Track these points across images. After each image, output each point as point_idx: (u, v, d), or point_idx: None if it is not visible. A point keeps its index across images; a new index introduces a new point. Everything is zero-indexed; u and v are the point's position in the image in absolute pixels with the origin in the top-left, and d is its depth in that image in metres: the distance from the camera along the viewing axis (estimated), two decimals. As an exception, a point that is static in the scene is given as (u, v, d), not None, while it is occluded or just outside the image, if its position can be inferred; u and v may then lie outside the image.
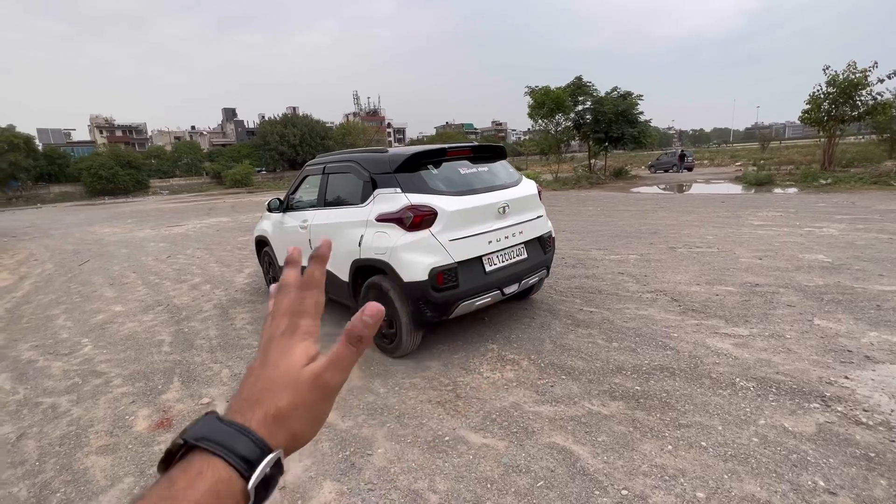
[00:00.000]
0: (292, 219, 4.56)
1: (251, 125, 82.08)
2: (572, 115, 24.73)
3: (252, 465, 0.33)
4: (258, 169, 60.21)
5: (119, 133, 76.08)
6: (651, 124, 25.91)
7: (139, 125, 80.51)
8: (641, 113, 23.96)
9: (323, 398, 0.39)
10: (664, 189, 18.59)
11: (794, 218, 8.35)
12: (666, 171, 30.01)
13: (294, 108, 77.10)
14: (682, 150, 33.17)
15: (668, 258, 5.75)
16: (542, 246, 3.87)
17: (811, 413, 2.39)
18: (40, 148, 56.01)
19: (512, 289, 3.52)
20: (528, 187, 3.81)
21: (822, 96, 18.60)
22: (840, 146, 21.37)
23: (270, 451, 0.34)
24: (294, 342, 0.40)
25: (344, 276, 3.71)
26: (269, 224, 5.17)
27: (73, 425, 2.89)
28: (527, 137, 27.49)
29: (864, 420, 2.30)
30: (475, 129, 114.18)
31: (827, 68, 18.29)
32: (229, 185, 54.26)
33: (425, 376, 3.14)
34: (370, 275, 3.48)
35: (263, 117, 72.41)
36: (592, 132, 24.29)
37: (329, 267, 3.92)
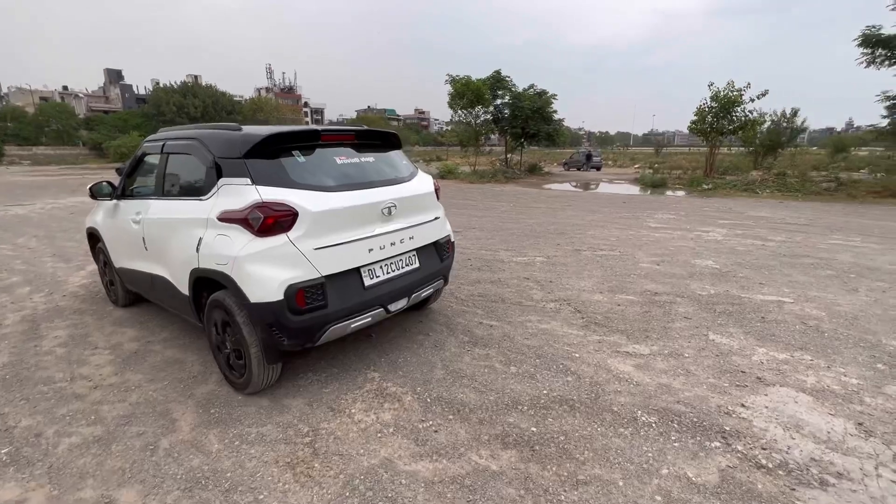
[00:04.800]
0: (126, 209, 3.54)
1: (143, 91, 72.04)
2: (491, 108, 24.89)
3: None
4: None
5: (-41, 87, 62.20)
6: (564, 124, 27.14)
7: (-11, 79, 66.51)
8: (555, 111, 24.83)
9: None
10: (574, 186, 19.39)
11: (685, 221, 8.87)
12: (578, 168, 31.73)
13: (196, 77, 69.05)
14: (589, 151, 35.31)
15: (573, 261, 5.60)
16: (438, 253, 3.35)
17: (713, 455, 2.15)
18: None
19: (399, 305, 2.95)
20: (422, 184, 3.25)
21: (706, 109, 20.59)
22: (718, 155, 24.04)
23: None
24: None
25: (183, 287, 2.86)
26: (101, 213, 4.04)
27: None
28: (449, 128, 27.17)
29: (763, 462, 2.09)
30: (398, 115, 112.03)
31: (711, 84, 20.22)
32: (114, 159, 46.82)
33: (280, 422, 2.46)
34: (216, 288, 2.68)
35: (157, 84, 63.78)
36: (510, 127, 24.69)
37: (164, 273, 3.04)
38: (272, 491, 1.97)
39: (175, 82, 60.48)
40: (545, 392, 2.69)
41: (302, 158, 2.67)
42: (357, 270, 2.70)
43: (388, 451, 2.20)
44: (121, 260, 3.78)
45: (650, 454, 2.16)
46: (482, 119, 25.18)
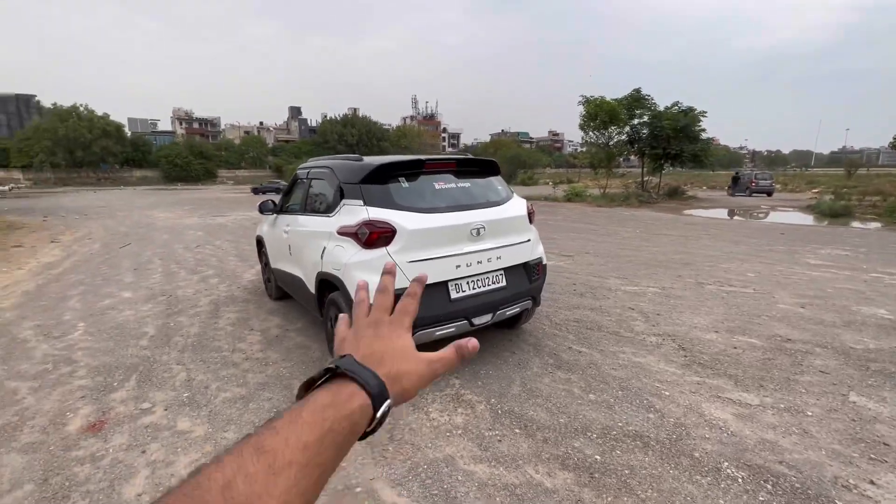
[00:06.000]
0: (282, 222, 4.47)
1: (314, 123, 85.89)
2: (627, 128, 23.56)
3: (378, 403, 0.42)
4: (315, 166, 62.81)
5: (196, 125, 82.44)
6: (720, 143, 23.98)
7: (214, 119, 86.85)
8: (704, 130, 22.37)
9: (426, 378, 0.49)
10: (724, 213, 17.06)
11: (861, 260, 7.24)
12: (751, 193, 26.79)
13: (355, 110, 79.77)
14: (737, 172, 30.29)
15: (692, 295, 5.09)
16: (527, 273, 3.48)
17: (809, 528, 1.86)
18: (129, 135, 61.85)
19: (483, 319, 3.17)
20: (514, 208, 3.44)
21: (920, 121, 16.38)
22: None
23: (388, 397, 0.43)
24: (403, 331, 0.53)
25: (311, 286, 3.53)
26: (266, 224, 5.14)
27: (18, 415, 2.89)
28: (584, 149, 26.37)
29: (880, 550, 1.75)
30: (531, 138, 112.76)
31: (929, 90, 16.03)
32: (289, 180, 57.12)
33: (370, 408, 2.86)
34: (333, 290, 3.26)
35: (325, 117, 75.56)
36: (649, 148, 23.00)
37: (300, 274, 3.77)
38: (352, 462, 2.35)
39: (338, 115, 70.82)
40: (620, 424, 2.60)
41: (406, 184, 3.11)
42: (444, 284, 3.01)
43: (452, 450, 2.42)
44: (275, 262, 4.76)
45: (726, 509, 1.97)
46: (616, 140, 23.98)
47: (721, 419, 2.64)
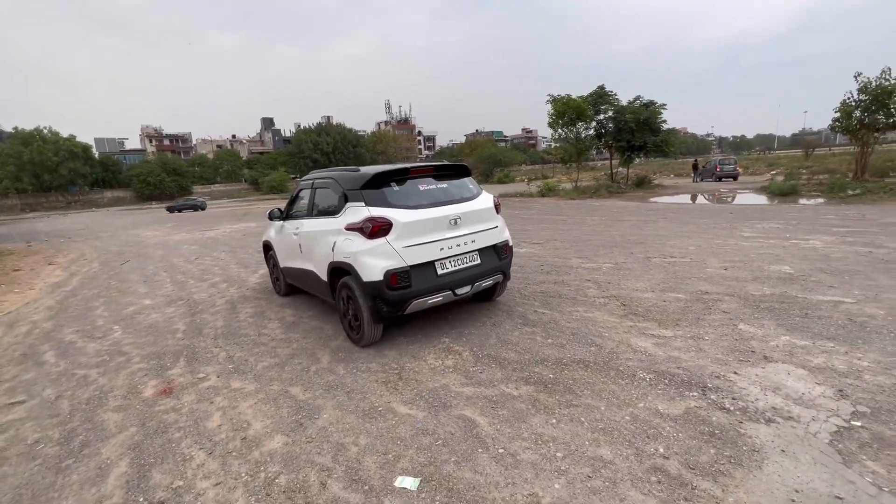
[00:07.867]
0: (290, 226, 5.25)
1: (287, 134, 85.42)
2: (594, 123, 24.88)
3: None
4: (293, 176, 62.68)
5: (167, 142, 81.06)
6: (688, 132, 25.56)
7: (185, 134, 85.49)
8: (664, 122, 23.83)
9: None
10: (686, 199, 18.37)
11: (789, 230, 8.40)
12: (719, 179, 28.27)
13: (328, 118, 79.67)
14: (696, 160, 32.39)
15: (639, 267, 6.08)
16: (497, 253, 4.36)
17: (686, 399, 2.79)
18: (97, 156, 60.55)
19: (464, 290, 4.03)
20: (483, 202, 4.32)
21: (853, 104, 18.09)
22: (887, 154, 20.44)
23: None
24: None
25: (323, 275, 4.33)
26: (273, 230, 5.90)
27: (98, 391, 3.62)
28: (556, 145, 27.59)
29: (727, 406, 2.68)
30: (505, 136, 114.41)
31: (858, 75, 17.79)
32: (266, 192, 57.10)
33: (380, 362, 3.70)
34: (343, 275, 4.07)
35: (299, 126, 75.28)
36: (615, 141, 24.36)
37: (312, 268, 4.57)
38: (373, 394, 3.18)
39: (312, 124, 70.62)
40: (568, 356, 3.51)
41: (397, 187, 3.96)
42: (432, 263, 3.86)
43: (446, 381, 3.28)
44: (284, 261, 5.53)
45: (635, 395, 2.88)
46: (584, 135, 25.28)
47: (643, 347, 3.57)
